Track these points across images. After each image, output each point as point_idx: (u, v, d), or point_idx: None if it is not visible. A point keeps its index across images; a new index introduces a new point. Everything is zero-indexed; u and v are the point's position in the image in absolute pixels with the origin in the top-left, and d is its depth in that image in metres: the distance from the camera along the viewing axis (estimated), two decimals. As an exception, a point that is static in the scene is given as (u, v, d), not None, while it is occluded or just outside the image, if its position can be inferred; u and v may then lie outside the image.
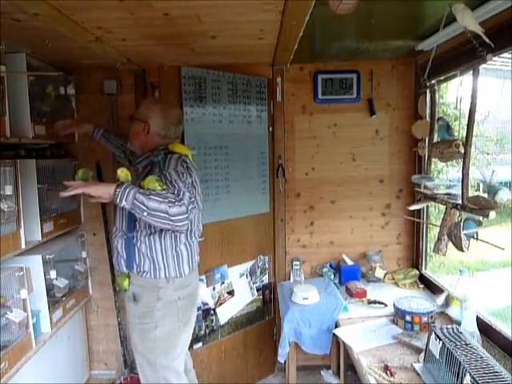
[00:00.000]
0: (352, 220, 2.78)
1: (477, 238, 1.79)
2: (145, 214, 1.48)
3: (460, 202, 1.84)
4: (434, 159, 2.25)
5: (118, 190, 1.48)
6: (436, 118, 2.20)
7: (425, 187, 2.20)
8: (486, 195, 1.68)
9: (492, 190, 1.65)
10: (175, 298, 1.75)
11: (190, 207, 1.54)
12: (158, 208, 1.48)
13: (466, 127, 1.81)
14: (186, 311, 1.81)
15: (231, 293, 2.53)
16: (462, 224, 1.79)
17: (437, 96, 2.23)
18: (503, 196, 1.62)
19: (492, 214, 1.63)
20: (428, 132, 2.24)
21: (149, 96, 2.48)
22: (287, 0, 1.41)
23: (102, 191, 1.51)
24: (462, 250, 1.79)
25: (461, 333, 1.56)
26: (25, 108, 1.94)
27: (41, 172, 2.07)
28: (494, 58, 1.67)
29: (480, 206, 1.69)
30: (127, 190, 1.48)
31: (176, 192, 1.56)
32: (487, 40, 1.57)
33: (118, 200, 1.48)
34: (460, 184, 1.83)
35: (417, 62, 2.57)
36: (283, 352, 2.27)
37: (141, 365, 1.81)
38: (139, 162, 1.85)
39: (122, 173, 1.58)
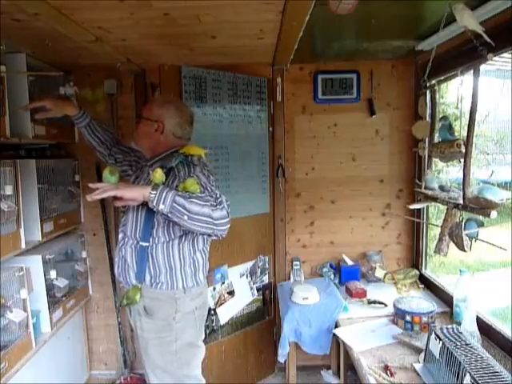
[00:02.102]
0: (352, 220, 2.78)
1: (476, 239, 1.79)
2: (185, 217, 1.37)
3: (461, 202, 1.84)
4: (434, 159, 2.25)
5: (153, 192, 1.36)
6: (437, 118, 2.20)
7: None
8: (485, 196, 1.68)
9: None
10: (192, 308, 1.66)
11: (229, 210, 1.46)
12: (201, 212, 1.37)
13: (466, 127, 1.81)
14: (201, 320, 1.76)
15: (231, 293, 2.53)
16: (463, 224, 1.80)
17: (437, 96, 2.23)
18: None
19: (493, 214, 1.63)
20: (428, 132, 2.24)
21: (153, 95, 2.46)
22: (287, 0, 1.41)
23: (137, 193, 1.40)
24: (464, 250, 1.79)
25: (461, 333, 1.56)
26: (25, 108, 1.93)
27: (41, 172, 2.07)
28: (495, 58, 1.68)
29: (480, 206, 1.69)
30: (165, 192, 1.36)
31: (214, 195, 1.45)
32: (488, 39, 1.57)
33: (155, 203, 1.36)
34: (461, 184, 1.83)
35: (417, 62, 2.57)
36: (283, 352, 2.27)
37: (159, 376, 1.69)
38: (151, 164, 1.72)
39: (157, 173, 1.44)
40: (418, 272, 2.64)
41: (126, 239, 1.66)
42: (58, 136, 2.30)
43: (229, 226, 1.46)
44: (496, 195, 1.64)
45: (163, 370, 1.67)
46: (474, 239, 1.80)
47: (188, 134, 1.78)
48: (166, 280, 1.61)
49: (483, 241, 1.79)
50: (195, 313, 1.68)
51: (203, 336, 1.81)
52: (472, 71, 1.77)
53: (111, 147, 1.98)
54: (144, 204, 1.46)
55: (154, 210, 1.41)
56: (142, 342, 1.70)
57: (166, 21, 1.64)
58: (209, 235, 1.51)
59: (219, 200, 1.44)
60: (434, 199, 2.15)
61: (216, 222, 1.40)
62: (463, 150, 1.82)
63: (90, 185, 1.42)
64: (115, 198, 1.43)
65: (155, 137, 1.70)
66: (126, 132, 2.52)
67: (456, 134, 2.00)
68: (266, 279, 2.75)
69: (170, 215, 1.39)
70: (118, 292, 2.67)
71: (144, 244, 1.60)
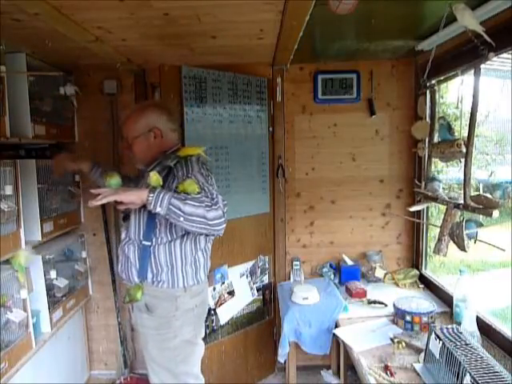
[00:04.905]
0: (352, 220, 2.78)
1: (475, 240, 1.79)
2: (181, 219, 1.41)
3: (462, 201, 1.84)
4: (434, 159, 2.25)
5: (151, 195, 1.40)
6: (436, 118, 2.20)
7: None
8: (487, 195, 1.68)
9: (496, 187, 1.64)
10: (192, 306, 1.69)
11: (224, 210, 1.49)
12: (195, 213, 1.40)
13: (466, 127, 1.81)
14: (200, 318, 1.79)
15: (231, 293, 2.53)
16: (464, 223, 1.79)
17: (437, 96, 2.23)
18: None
19: (495, 213, 1.62)
20: (428, 132, 2.24)
21: (152, 95, 2.47)
22: (287, 0, 1.41)
23: (135, 197, 1.43)
24: (465, 250, 1.79)
25: (461, 333, 1.56)
26: (25, 108, 1.94)
27: (41, 172, 2.07)
28: (493, 58, 1.67)
29: (482, 205, 1.69)
30: (161, 195, 1.40)
31: (210, 195, 1.48)
32: (488, 39, 1.57)
33: (152, 206, 1.40)
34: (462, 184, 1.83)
35: (417, 62, 2.57)
36: (283, 352, 2.27)
37: (157, 373, 1.73)
38: (152, 168, 1.71)
39: (154, 176, 1.48)
40: (417, 272, 2.64)
41: (127, 239, 1.70)
42: (58, 136, 2.31)
43: (224, 225, 1.48)
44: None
45: (162, 367, 1.71)
46: (473, 239, 1.80)
47: (176, 123, 1.80)
48: (167, 278, 1.64)
49: (482, 241, 1.79)
50: (194, 311, 1.71)
51: (202, 334, 1.83)
52: (472, 71, 1.76)
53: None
54: (145, 206, 1.48)
55: (152, 212, 1.44)
56: (142, 339, 1.74)
57: (166, 21, 1.64)
58: (206, 235, 1.55)
59: (215, 200, 1.47)
60: (434, 199, 2.15)
61: (210, 222, 1.43)
62: (463, 150, 1.82)
63: (92, 191, 1.46)
64: (117, 203, 1.46)
65: (156, 144, 1.70)
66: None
67: (456, 134, 2.00)
68: (266, 279, 2.75)
69: (167, 217, 1.43)
70: (118, 292, 2.67)
71: (146, 243, 1.63)
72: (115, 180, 1.55)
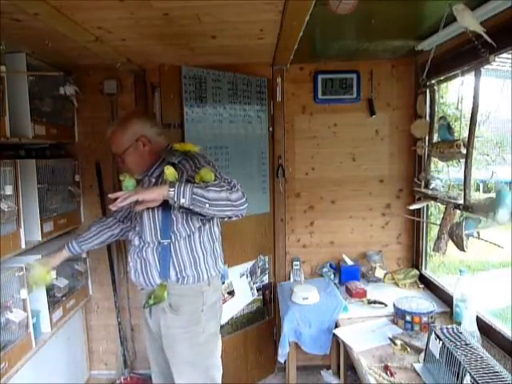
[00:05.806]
0: (352, 220, 2.78)
1: (478, 237, 1.79)
2: (207, 205, 1.44)
3: (461, 202, 1.84)
4: (434, 159, 2.26)
5: (171, 189, 1.42)
6: (436, 117, 2.20)
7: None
8: (486, 196, 1.68)
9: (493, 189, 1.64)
10: (215, 299, 1.74)
11: (242, 191, 1.52)
12: (219, 197, 1.45)
13: (466, 127, 1.81)
14: (221, 310, 1.85)
15: (231, 293, 2.53)
16: (463, 223, 1.79)
17: (436, 96, 2.23)
18: (504, 216, 1.57)
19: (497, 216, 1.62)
20: (427, 131, 2.24)
21: (152, 95, 2.48)
22: (287, 0, 1.41)
23: (156, 194, 1.45)
24: (464, 250, 1.80)
25: (461, 333, 1.56)
26: (25, 108, 1.94)
27: (41, 172, 2.07)
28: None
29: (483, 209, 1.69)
30: (182, 187, 1.42)
31: (226, 181, 1.54)
32: (489, 39, 1.57)
33: (176, 198, 1.42)
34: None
35: (417, 62, 2.57)
36: (283, 352, 2.27)
37: (185, 372, 1.72)
38: (151, 173, 1.71)
39: (167, 170, 1.50)
40: (417, 272, 2.64)
41: (146, 244, 1.68)
42: (58, 136, 2.31)
43: (247, 204, 1.53)
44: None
45: (190, 364, 1.71)
46: (471, 237, 1.80)
47: (160, 126, 1.84)
48: (191, 273, 1.66)
49: (482, 239, 1.79)
50: (217, 304, 1.77)
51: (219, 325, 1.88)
52: (473, 72, 1.76)
53: (118, 224, 1.91)
54: (158, 206, 1.53)
55: (175, 205, 1.47)
56: (167, 340, 1.71)
57: (166, 21, 1.64)
58: (229, 217, 1.57)
59: (232, 183, 1.53)
60: (434, 198, 2.15)
61: (235, 203, 1.48)
62: (463, 151, 1.82)
63: (110, 195, 1.50)
64: (139, 203, 1.49)
65: (147, 151, 1.70)
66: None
67: (455, 134, 2.00)
68: (266, 279, 2.75)
69: (191, 207, 1.45)
70: (118, 292, 2.67)
71: (165, 242, 1.64)
72: (131, 182, 1.60)
